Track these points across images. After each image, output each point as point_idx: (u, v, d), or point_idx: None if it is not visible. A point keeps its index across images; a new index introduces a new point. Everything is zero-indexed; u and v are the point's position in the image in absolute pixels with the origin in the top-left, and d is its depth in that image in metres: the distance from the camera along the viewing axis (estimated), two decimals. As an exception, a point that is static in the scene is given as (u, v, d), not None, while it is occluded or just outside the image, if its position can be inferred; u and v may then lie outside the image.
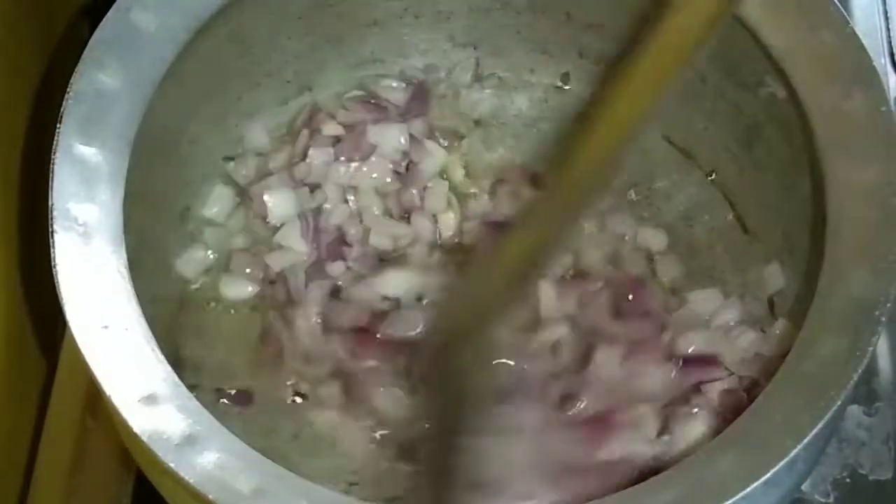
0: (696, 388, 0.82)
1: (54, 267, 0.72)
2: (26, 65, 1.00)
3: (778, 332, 0.84)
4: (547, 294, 0.87)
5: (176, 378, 0.71)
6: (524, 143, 1.00)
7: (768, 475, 0.66)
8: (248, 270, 0.93)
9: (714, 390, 0.82)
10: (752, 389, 0.81)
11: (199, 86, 0.89)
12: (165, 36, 0.81)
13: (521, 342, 0.84)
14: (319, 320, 0.88)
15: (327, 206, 0.93)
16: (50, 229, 0.73)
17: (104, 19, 0.80)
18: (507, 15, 0.97)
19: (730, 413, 0.79)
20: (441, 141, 0.98)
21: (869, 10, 1.10)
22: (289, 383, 0.88)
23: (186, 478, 0.66)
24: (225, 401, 0.87)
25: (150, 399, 0.69)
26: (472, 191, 0.97)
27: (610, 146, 0.71)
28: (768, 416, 0.69)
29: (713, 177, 0.95)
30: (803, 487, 0.89)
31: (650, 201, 0.97)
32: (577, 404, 0.82)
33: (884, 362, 0.95)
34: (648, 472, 0.77)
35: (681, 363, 0.84)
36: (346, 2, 0.94)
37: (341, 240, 0.93)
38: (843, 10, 0.80)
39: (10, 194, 0.94)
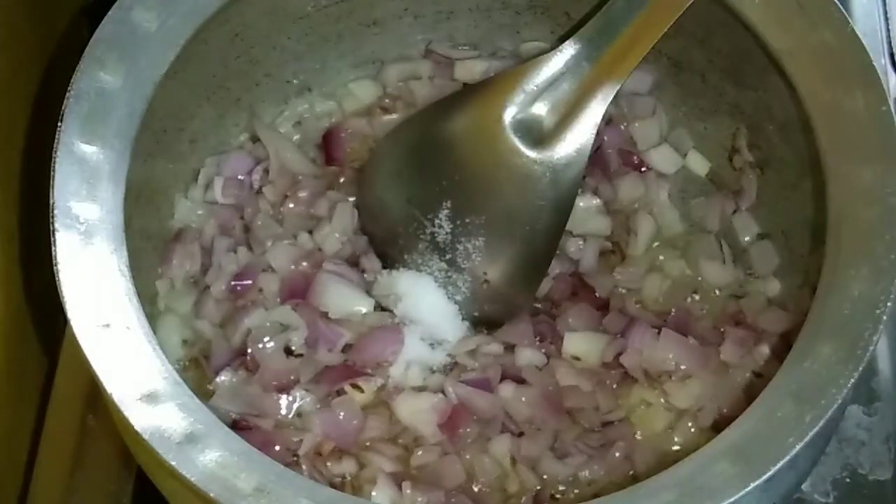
0: None
1: (55, 265, 0.72)
2: (27, 64, 1.00)
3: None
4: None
5: (177, 376, 0.71)
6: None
7: (769, 474, 0.66)
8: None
9: None
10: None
11: (199, 85, 0.89)
12: (166, 35, 0.81)
13: None
14: None
15: None
16: (51, 228, 0.73)
17: (105, 18, 0.80)
18: (506, 15, 0.97)
19: None
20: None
21: (869, 9, 1.10)
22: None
23: (188, 476, 0.66)
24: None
25: (152, 397, 0.69)
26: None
27: None
28: (768, 415, 0.70)
29: (713, 177, 0.96)
30: (803, 487, 0.89)
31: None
32: None
33: (884, 362, 0.95)
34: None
35: None
36: (346, 2, 0.94)
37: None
38: (843, 9, 0.80)
39: (11, 193, 0.94)
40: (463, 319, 0.90)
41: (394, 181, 0.92)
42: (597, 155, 0.94)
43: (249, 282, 0.89)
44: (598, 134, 0.87)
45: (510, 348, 0.88)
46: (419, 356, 0.87)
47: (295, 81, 0.97)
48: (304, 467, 0.81)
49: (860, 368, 0.69)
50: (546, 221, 0.87)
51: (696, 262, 0.92)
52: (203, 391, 0.84)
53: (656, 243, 0.94)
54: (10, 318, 0.92)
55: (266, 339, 0.85)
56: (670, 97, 0.96)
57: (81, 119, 0.77)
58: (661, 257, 0.93)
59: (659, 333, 0.86)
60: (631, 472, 0.83)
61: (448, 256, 0.89)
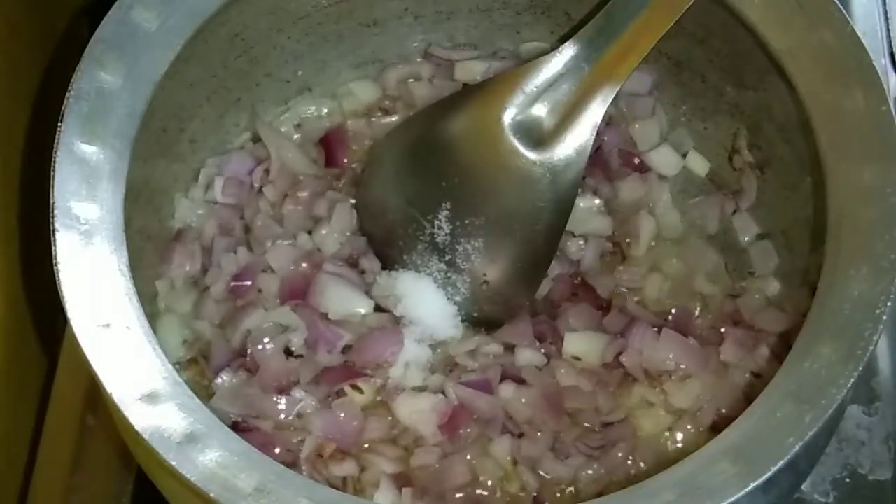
0: None
1: (55, 265, 0.72)
2: (27, 64, 1.00)
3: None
4: None
5: (177, 376, 0.71)
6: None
7: (769, 474, 0.66)
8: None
9: None
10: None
11: (199, 85, 0.89)
12: (166, 35, 0.81)
13: None
14: None
15: None
16: (51, 228, 0.73)
17: (105, 18, 0.81)
18: (506, 15, 0.97)
19: None
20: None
21: (869, 9, 1.10)
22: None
23: (188, 476, 0.66)
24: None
25: (152, 397, 0.69)
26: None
27: None
28: (768, 415, 0.70)
29: (713, 177, 0.96)
30: (803, 487, 0.89)
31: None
32: None
33: (884, 362, 0.95)
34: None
35: None
36: (346, 2, 0.94)
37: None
38: (843, 9, 0.80)
39: (11, 193, 0.94)
40: (462, 320, 0.90)
41: (393, 182, 0.92)
42: (597, 155, 0.94)
43: (249, 282, 0.89)
44: (598, 134, 0.87)
45: (510, 348, 0.88)
46: (419, 357, 0.87)
47: (295, 81, 0.97)
48: (304, 469, 0.81)
49: (860, 368, 0.69)
50: (546, 222, 0.87)
51: (692, 270, 0.92)
52: (203, 391, 0.84)
53: (657, 243, 0.94)
54: (10, 318, 0.92)
55: (266, 340, 0.85)
56: (670, 97, 0.96)
57: (81, 119, 0.77)
58: (662, 257, 0.93)
59: (659, 333, 0.86)
60: (631, 473, 0.82)
61: (448, 257, 0.89)
